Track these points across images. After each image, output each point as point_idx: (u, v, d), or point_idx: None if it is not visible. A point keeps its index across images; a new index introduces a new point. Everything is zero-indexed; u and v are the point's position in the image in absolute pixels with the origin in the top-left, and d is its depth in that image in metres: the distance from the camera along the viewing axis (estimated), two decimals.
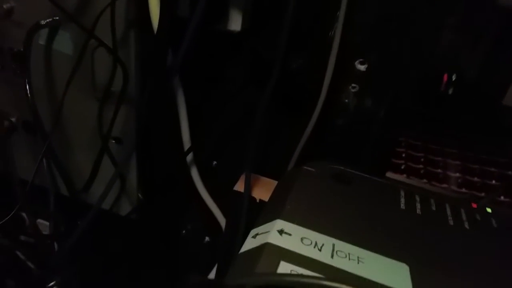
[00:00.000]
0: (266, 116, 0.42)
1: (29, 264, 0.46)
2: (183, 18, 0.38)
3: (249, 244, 0.25)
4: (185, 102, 0.43)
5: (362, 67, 0.41)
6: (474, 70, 0.48)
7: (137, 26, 0.41)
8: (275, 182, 0.39)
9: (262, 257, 0.22)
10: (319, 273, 0.22)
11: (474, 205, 0.32)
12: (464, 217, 0.30)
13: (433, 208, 0.30)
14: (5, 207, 0.44)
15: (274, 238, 0.24)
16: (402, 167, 0.41)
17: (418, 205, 0.30)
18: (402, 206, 0.30)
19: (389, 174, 0.41)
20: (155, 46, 0.38)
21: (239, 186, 0.47)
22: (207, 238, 0.55)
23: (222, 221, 0.49)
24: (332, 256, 0.23)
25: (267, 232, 0.25)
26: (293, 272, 0.21)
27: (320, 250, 0.24)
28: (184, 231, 0.55)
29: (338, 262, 0.23)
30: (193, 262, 0.57)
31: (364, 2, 0.39)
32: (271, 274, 0.20)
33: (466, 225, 0.29)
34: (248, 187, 0.44)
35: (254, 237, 0.25)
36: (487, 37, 0.48)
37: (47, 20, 0.40)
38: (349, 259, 0.23)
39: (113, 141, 0.45)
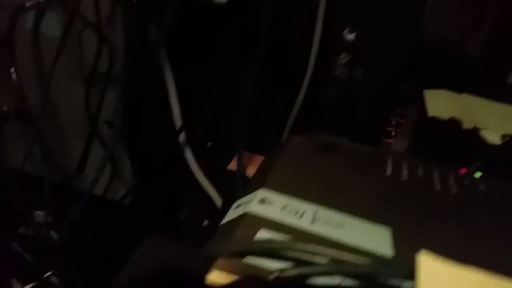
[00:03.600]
0: (256, 91, 0.41)
1: (25, 256, 0.46)
2: None
3: (231, 215, 0.25)
4: (174, 79, 0.43)
5: (351, 36, 0.41)
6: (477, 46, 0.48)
7: (122, 4, 0.40)
8: None
9: (241, 226, 0.22)
10: (297, 239, 0.21)
11: (463, 171, 0.32)
12: (451, 182, 0.29)
13: (420, 174, 0.30)
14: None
15: (255, 207, 0.24)
16: (393, 133, 0.41)
17: (405, 172, 0.30)
18: (389, 173, 0.30)
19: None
20: (135, 19, 0.37)
21: (233, 165, 0.47)
22: (205, 222, 0.54)
23: (218, 202, 0.49)
24: (312, 223, 0.23)
25: (248, 202, 0.25)
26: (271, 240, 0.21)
27: (301, 217, 0.24)
28: (181, 215, 0.55)
29: (318, 228, 0.23)
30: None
31: None
32: (241, 242, 0.20)
33: (453, 190, 0.29)
34: (241, 165, 0.44)
35: (236, 208, 0.25)
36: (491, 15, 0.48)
37: (32, 3, 0.39)
38: (329, 225, 0.23)
39: (106, 125, 0.45)
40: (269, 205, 0.24)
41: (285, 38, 0.42)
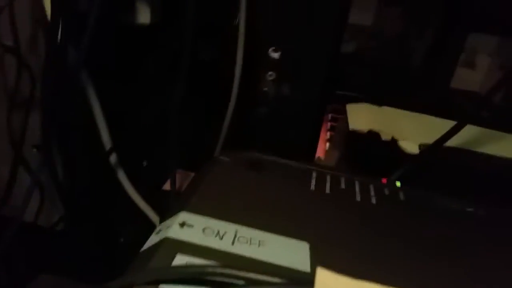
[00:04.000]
0: (188, 109, 0.41)
1: None
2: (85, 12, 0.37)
3: (152, 240, 0.24)
4: (102, 101, 0.42)
5: (275, 55, 0.41)
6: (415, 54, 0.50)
7: (43, 26, 0.39)
8: None
9: (158, 252, 0.22)
10: (216, 260, 0.21)
11: (384, 181, 0.33)
12: (372, 192, 0.30)
13: (343, 186, 0.31)
14: None
15: (174, 232, 0.24)
16: (327, 148, 0.42)
17: (328, 185, 0.31)
18: (312, 187, 0.30)
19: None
20: (50, 42, 0.36)
21: (167, 185, 0.46)
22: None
23: (157, 222, 0.48)
24: (233, 243, 0.23)
25: (168, 226, 0.24)
26: (188, 264, 0.21)
27: (221, 238, 0.23)
28: (121, 239, 0.54)
29: (239, 248, 0.23)
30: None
31: None
32: (156, 269, 0.20)
33: (373, 200, 0.30)
34: (174, 184, 0.44)
35: (157, 233, 0.25)
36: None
37: None
38: (250, 243, 0.23)
39: (35, 149, 0.43)
40: (190, 228, 0.24)
41: (212, 56, 0.42)
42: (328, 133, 0.49)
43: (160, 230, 0.25)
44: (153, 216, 0.48)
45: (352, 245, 0.25)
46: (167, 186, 0.46)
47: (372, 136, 0.38)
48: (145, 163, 0.50)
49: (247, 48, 0.40)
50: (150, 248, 0.23)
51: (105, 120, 0.43)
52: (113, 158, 0.45)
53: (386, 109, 0.43)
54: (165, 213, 0.41)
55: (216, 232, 0.24)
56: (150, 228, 0.47)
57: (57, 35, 0.36)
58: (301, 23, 0.40)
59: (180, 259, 0.21)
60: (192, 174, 0.48)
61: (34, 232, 0.47)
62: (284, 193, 0.29)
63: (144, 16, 0.40)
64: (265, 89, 0.44)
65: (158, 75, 0.44)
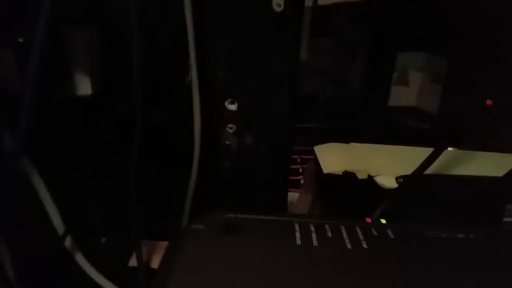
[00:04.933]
0: (146, 177, 0.38)
1: None
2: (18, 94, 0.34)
3: None
4: (49, 184, 0.38)
5: (233, 107, 0.40)
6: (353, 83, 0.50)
7: None
8: None
9: None
10: None
11: (368, 220, 0.31)
12: (360, 236, 0.29)
13: (329, 234, 0.29)
14: None
15: None
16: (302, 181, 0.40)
17: (314, 236, 0.29)
18: (298, 241, 0.28)
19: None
20: None
21: (134, 261, 0.42)
22: None
23: None
24: None
25: None
26: None
27: None
28: None
29: None
30: None
31: (214, 42, 0.38)
32: None
33: (364, 244, 0.28)
34: (140, 258, 0.40)
35: None
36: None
37: None
38: None
39: None
40: None
41: (163, 119, 0.40)
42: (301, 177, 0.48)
43: None
44: None
45: None
46: (133, 262, 0.42)
47: (348, 176, 0.37)
48: (103, 240, 0.46)
49: (203, 103, 0.38)
50: None
51: (54, 205, 0.39)
52: (68, 241, 0.41)
53: (354, 146, 0.43)
54: None
55: None
56: None
57: None
58: (254, 72, 0.39)
59: None
60: (160, 243, 0.45)
61: None
62: (271, 254, 0.27)
63: (84, 87, 0.37)
64: (227, 142, 0.42)
65: (109, 145, 0.41)
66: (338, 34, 0.56)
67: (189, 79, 0.37)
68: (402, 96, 0.54)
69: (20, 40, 0.34)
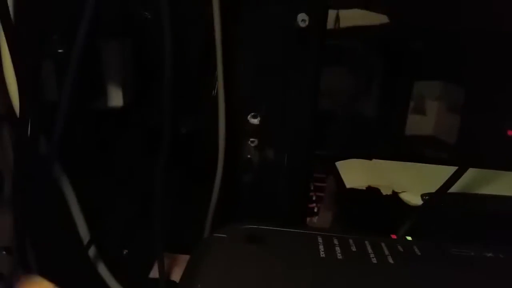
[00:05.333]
0: (169, 189, 0.39)
1: None
2: (55, 102, 0.35)
3: None
4: (75, 192, 0.39)
5: (255, 121, 0.41)
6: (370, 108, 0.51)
7: (8, 122, 0.37)
8: None
9: None
10: None
11: (394, 236, 0.31)
12: (386, 251, 0.29)
13: (353, 249, 0.29)
14: None
15: None
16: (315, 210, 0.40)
17: (338, 249, 0.29)
18: (322, 254, 0.28)
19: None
20: (19, 137, 0.34)
21: (154, 272, 0.43)
22: None
23: None
24: None
25: None
26: None
27: None
28: None
29: None
30: None
31: (240, 57, 0.39)
32: None
33: (390, 260, 0.28)
34: (162, 270, 0.40)
35: None
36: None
37: None
38: None
39: (3, 252, 0.39)
40: None
41: (191, 131, 0.41)
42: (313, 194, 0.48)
43: None
44: None
45: None
46: (154, 274, 0.43)
47: (372, 191, 0.37)
48: (125, 252, 0.46)
49: (227, 117, 0.39)
50: None
51: (82, 213, 0.40)
52: (91, 251, 0.42)
53: (378, 163, 0.42)
54: None
55: None
56: None
57: (27, 129, 0.34)
58: (277, 86, 0.40)
59: None
60: (180, 256, 0.45)
61: None
62: (295, 265, 0.27)
63: (116, 99, 0.39)
64: (249, 156, 0.42)
65: (137, 156, 0.42)
66: (353, 60, 0.56)
67: (215, 92, 0.38)
68: (419, 125, 0.54)
69: (60, 51, 0.36)
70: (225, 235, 0.31)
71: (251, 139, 0.42)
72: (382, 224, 0.33)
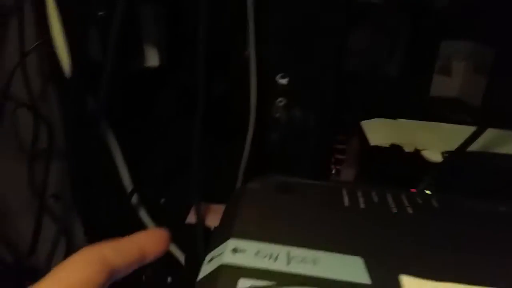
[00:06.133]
0: (204, 144, 0.42)
1: None
2: (98, 62, 0.38)
3: (205, 270, 0.24)
4: (120, 145, 0.43)
5: (283, 81, 0.43)
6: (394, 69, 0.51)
7: (54, 79, 0.40)
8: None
9: (219, 279, 0.22)
10: (276, 281, 0.22)
11: (413, 190, 0.33)
12: (406, 202, 0.31)
13: (376, 200, 0.31)
14: None
15: (229, 258, 0.24)
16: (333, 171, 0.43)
17: (361, 200, 0.31)
18: (346, 203, 0.31)
19: None
20: (71, 93, 0.37)
21: (191, 218, 0.46)
22: (169, 279, 0.53)
23: (181, 257, 0.48)
24: (288, 263, 0.23)
25: (221, 253, 0.25)
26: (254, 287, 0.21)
27: (276, 260, 0.24)
28: (144, 276, 0.53)
29: (295, 268, 0.23)
30: None
31: (270, 18, 0.40)
32: None
33: (409, 210, 0.30)
34: (200, 217, 0.44)
35: (209, 262, 0.25)
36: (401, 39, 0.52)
37: None
38: (305, 262, 0.23)
39: (52, 199, 0.44)
40: (243, 253, 0.24)
41: (223, 92, 0.43)
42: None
43: (212, 259, 0.25)
44: (176, 251, 0.48)
45: (404, 254, 0.25)
46: (190, 220, 0.46)
47: (395, 149, 0.39)
48: (162, 201, 0.50)
49: (257, 77, 0.41)
50: (208, 276, 0.23)
51: (126, 165, 0.43)
52: (134, 199, 0.46)
53: (402, 122, 0.44)
54: (193, 246, 0.41)
55: (269, 254, 0.24)
56: (172, 263, 0.47)
57: (76, 86, 0.37)
58: (305, 48, 0.41)
59: (244, 283, 0.22)
60: (213, 206, 0.48)
61: None
62: (322, 212, 0.30)
63: (153, 59, 0.41)
64: (277, 115, 0.45)
65: (174, 112, 0.45)
66: (378, 20, 0.56)
67: (247, 52, 0.40)
68: (444, 86, 0.54)
69: (101, 13, 0.38)
70: (257, 185, 0.34)
71: (279, 99, 0.44)
72: (404, 179, 0.36)
